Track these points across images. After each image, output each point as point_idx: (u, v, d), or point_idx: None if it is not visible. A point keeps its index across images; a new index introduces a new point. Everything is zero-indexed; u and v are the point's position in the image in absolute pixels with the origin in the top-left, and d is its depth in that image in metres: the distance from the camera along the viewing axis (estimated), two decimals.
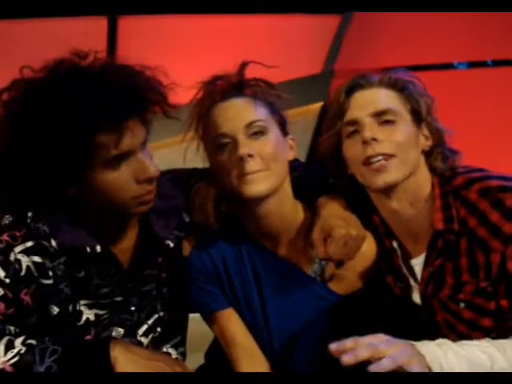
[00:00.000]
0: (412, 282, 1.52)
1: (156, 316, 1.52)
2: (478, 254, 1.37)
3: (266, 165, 1.42)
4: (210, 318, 1.57)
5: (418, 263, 1.49)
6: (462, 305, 1.41)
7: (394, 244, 1.53)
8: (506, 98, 3.44)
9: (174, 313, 1.56)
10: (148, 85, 1.35)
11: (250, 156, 1.41)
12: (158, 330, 1.52)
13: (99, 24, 2.44)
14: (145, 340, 1.51)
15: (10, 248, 1.37)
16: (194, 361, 1.67)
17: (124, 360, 1.32)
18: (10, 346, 1.34)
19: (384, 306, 1.39)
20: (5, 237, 1.37)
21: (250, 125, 1.43)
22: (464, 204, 1.39)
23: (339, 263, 1.47)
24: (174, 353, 1.56)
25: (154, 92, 1.36)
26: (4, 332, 1.36)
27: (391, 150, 1.40)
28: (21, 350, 1.34)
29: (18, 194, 1.34)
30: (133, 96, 1.30)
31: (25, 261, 1.38)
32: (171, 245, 1.51)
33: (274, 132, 1.46)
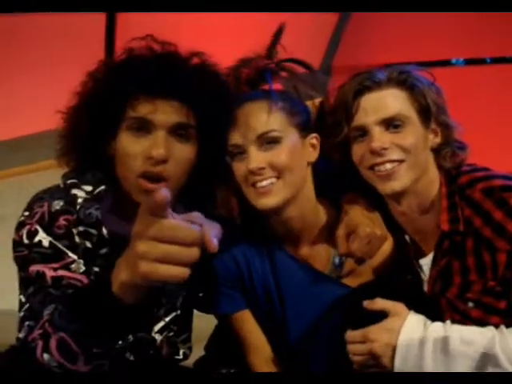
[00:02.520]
0: (422, 275, 1.52)
1: (174, 314, 1.51)
2: (484, 254, 1.37)
3: (280, 175, 1.41)
4: (223, 318, 1.59)
5: (426, 262, 1.50)
6: (471, 304, 1.40)
7: (406, 237, 1.54)
8: (504, 95, 3.45)
9: (189, 311, 1.56)
10: (194, 73, 1.37)
11: (261, 169, 1.40)
12: (173, 327, 1.51)
13: (97, 19, 2.43)
14: (158, 337, 1.49)
15: (70, 231, 1.36)
16: (194, 352, 1.69)
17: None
18: None
19: (400, 299, 1.40)
20: (61, 221, 1.35)
21: (262, 135, 1.41)
22: (469, 203, 1.39)
23: (359, 260, 1.47)
24: (182, 348, 1.55)
25: (201, 81, 1.37)
26: None
27: (400, 156, 1.40)
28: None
29: (75, 146, 1.40)
30: (175, 78, 1.34)
31: (82, 243, 1.37)
32: None
33: (289, 139, 1.43)
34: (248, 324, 1.56)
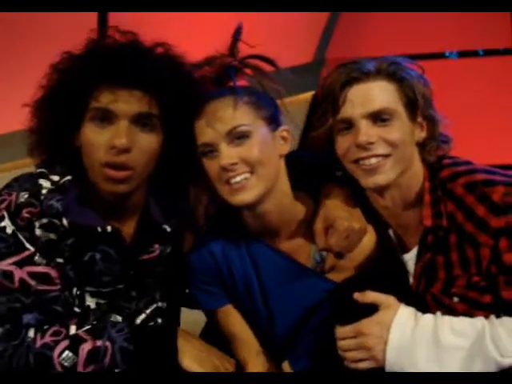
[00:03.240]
0: (408, 268, 1.52)
1: (154, 306, 1.52)
2: (467, 249, 1.37)
3: (252, 170, 1.40)
4: (209, 314, 1.59)
5: (410, 257, 1.50)
6: (456, 299, 1.40)
7: (390, 232, 1.53)
8: (497, 88, 3.44)
9: (172, 304, 1.57)
10: (157, 63, 1.38)
11: (234, 165, 1.39)
12: (158, 320, 1.53)
13: (89, 18, 2.42)
14: None
15: (31, 224, 1.38)
16: None
17: (184, 349, 1.39)
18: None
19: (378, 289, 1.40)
20: (24, 214, 1.37)
21: (231, 131, 1.39)
22: (451, 198, 1.39)
23: (339, 255, 1.46)
24: None
25: (162, 71, 1.38)
26: (55, 312, 1.39)
27: (386, 150, 1.39)
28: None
29: (41, 138, 1.42)
30: (137, 67, 1.35)
31: (44, 236, 1.39)
32: (168, 229, 1.52)
33: (259, 133, 1.42)
34: (233, 318, 1.55)
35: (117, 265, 1.45)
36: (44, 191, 1.40)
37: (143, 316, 1.51)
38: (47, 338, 1.36)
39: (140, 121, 1.37)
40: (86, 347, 1.36)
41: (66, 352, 1.35)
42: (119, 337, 1.37)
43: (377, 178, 1.39)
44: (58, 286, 1.40)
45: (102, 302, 1.46)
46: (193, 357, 1.39)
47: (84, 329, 1.39)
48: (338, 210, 1.45)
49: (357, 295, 1.38)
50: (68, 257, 1.41)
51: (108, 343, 1.36)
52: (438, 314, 1.37)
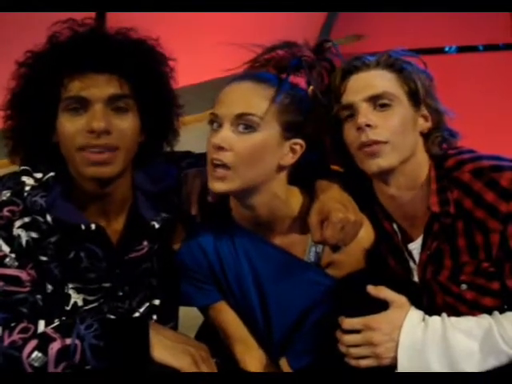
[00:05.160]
0: (412, 264, 1.52)
1: (147, 304, 1.52)
2: (476, 235, 1.38)
3: (233, 164, 1.36)
4: (202, 311, 1.58)
5: (415, 247, 1.50)
6: (464, 286, 1.41)
7: (395, 226, 1.52)
8: (497, 83, 3.44)
9: (166, 300, 1.56)
10: (120, 44, 1.39)
11: (221, 149, 1.35)
12: (154, 317, 1.52)
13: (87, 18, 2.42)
14: None
15: (10, 223, 1.38)
16: None
17: (155, 341, 1.36)
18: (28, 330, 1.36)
19: (383, 284, 1.40)
20: (5, 212, 1.38)
21: (240, 116, 1.36)
22: (457, 185, 1.39)
23: (335, 248, 1.45)
24: None
25: (127, 50, 1.39)
26: (21, 314, 1.37)
27: (385, 136, 1.39)
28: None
29: (16, 140, 1.42)
30: (100, 50, 1.36)
31: (24, 236, 1.38)
32: (156, 226, 1.50)
33: (267, 132, 1.37)
34: (226, 315, 1.54)
35: (103, 263, 1.45)
36: (27, 188, 1.40)
37: (137, 315, 1.51)
38: (15, 336, 1.34)
39: (114, 103, 1.37)
40: (54, 346, 1.33)
41: (35, 353, 1.33)
42: (88, 334, 1.35)
43: (378, 161, 1.39)
44: (27, 289, 1.39)
45: (89, 298, 1.45)
46: (164, 347, 1.36)
47: (52, 326, 1.38)
48: (332, 203, 1.44)
49: (370, 288, 1.38)
50: (52, 254, 1.41)
51: (77, 341, 1.34)
52: (444, 315, 1.38)
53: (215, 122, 1.39)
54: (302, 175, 1.50)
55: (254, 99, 1.37)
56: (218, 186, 1.37)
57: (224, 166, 1.36)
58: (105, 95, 1.35)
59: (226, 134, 1.36)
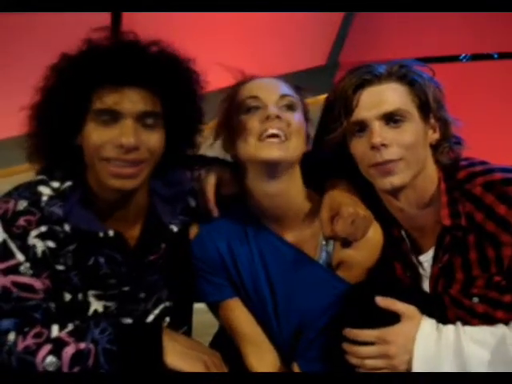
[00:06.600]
0: (421, 271, 1.51)
1: (162, 306, 1.52)
2: (487, 249, 1.37)
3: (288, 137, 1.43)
4: (214, 308, 1.57)
5: (426, 259, 1.49)
6: (476, 299, 1.40)
7: (403, 233, 1.52)
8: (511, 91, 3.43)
9: (181, 302, 1.57)
10: (157, 60, 1.39)
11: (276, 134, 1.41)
12: (167, 319, 1.53)
13: (103, 18, 2.43)
14: None
15: (26, 232, 1.38)
16: None
17: (168, 347, 1.36)
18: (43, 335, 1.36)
19: (392, 294, 1.39)
20: (21, 222, 1.38)
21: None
22: (469, 199, 1.39)
23: (345, 243, 1.47)
24: None
25: (164, 68, 1.38)
26: (34, 320, 1.37)
27: (399, 155, 1.39)
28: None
29: (40, 143, 1.41)
30: (138, 66, 1.36)
31: (40, 245, 1.39)
32: (175, 229, 1.51)
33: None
34: (240, 313, 1.53)
35: (122, 267, 1.46)
36: (44, 198, 1.40)
37: (152, 317, 1.51)
38: (29, 341, 1.35)
39: (144, 120, 1.37)
40: (69, 351, 1.34)
41: (50, 357, 1.34)
42: (102, 338, 1.35)
43: (391, 178, 1.39)
44: (41, 296, 1.39)
45: (109, 304, 1.46)
46: (177, 353, 1.37)
47: (66, 330, 1.38)
48: (342, 198, 1.47)
49: (379, 300, 1.37)
50: (71, 263, 1.41)
51: (91, 345, 1.35)
52: (459, 324, 1.37)
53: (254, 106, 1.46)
54: (315, 179, 1.53)
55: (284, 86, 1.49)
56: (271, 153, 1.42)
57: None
58: (137, 111, 1.35)
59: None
